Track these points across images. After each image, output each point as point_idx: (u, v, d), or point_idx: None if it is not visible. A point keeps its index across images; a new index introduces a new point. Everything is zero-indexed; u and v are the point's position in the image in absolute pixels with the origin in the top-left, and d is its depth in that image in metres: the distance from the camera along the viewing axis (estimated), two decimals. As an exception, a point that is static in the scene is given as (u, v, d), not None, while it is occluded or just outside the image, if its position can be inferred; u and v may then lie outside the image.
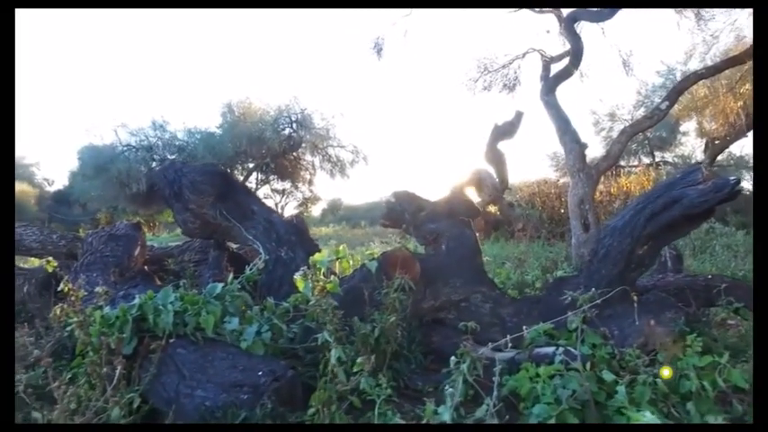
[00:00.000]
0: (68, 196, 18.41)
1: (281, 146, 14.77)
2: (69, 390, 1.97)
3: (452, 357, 1.97)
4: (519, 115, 11.32)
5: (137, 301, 2.44)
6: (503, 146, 11.74)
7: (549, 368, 2.41)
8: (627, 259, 2.90)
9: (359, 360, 1.94)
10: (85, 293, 2.93)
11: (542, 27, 9.07)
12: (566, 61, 7.92)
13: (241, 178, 14.92)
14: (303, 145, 14.91)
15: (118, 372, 1.95)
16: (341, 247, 2.65)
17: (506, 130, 11.44)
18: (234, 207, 3.51)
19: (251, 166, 15.49)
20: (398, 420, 2.01)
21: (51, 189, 26.47)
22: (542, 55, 8.38)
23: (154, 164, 15.59)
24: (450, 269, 3.29)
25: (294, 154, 15.09)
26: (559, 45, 8.71)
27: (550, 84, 7.78)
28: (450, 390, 1.86)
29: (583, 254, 6.93)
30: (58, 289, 3.10)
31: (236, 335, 2.40)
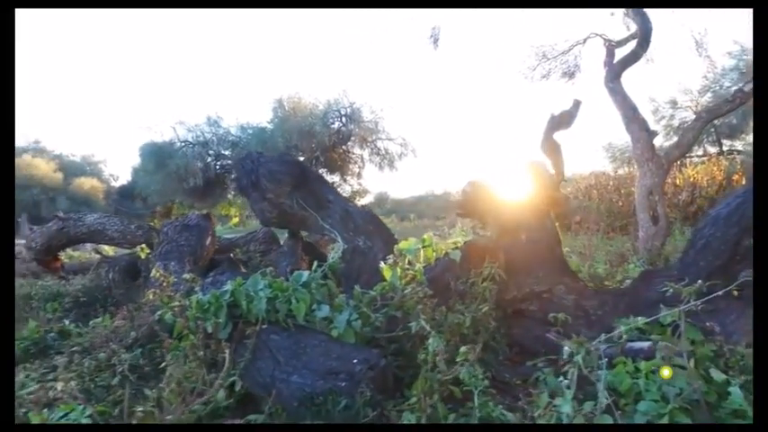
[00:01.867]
0: (131, 190, 19.41)
1: (331, 139, 14.87)
2: (184, 370, 2.01)
3: (565, 348, 1.88)
4: (577, 104, 10.85)
5: (228, 287, 2.49)
6: (558, 136, 11.37)
7: (650, 363, 2.27)
8: (732, 250, 2.69)
9: (462, 350, 1.89)
10: (176, 280, 3.03)
11: (605, 10, 8.61)
12: (630, 46, 7.53)
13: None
14: (352, 138, 14.94)
15: (228, 355, 1.99)
16: (426, 236, 2.60)
17: (563, 120, 11.01)
18: (310, 196, 3.53)
19: (301, 159, 15.72)
20: (501, 411, 1.94)
21: (116, 184, 28.13)
22: (605, 39, 7.99)
23: (209, 159, 16.09)
24: (531, 260, 3.18)
25: (343, 147, 15.16)
26: (623, 29, 8.29)
27: (615, 70, 7.42)
28: (566, 381, 1.77)
29: (652, 247, 6.58)
30: (150, 275, 3.24)
31: (326, 322, 2.40)
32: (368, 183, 16.56)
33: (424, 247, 2.59)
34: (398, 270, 2.49)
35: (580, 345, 1.84)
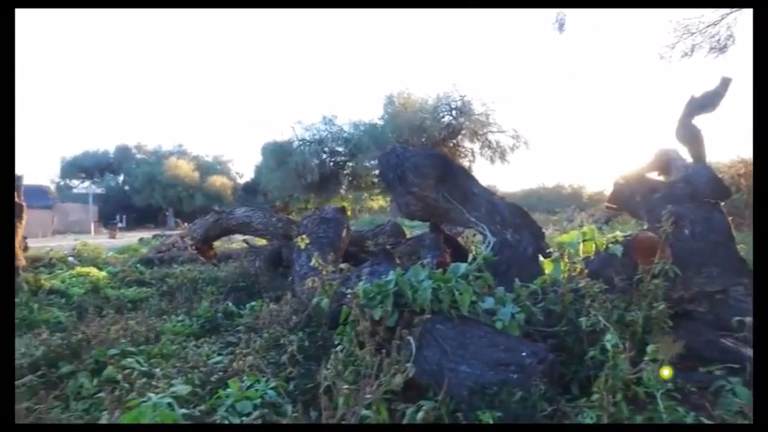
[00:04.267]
0: (255, 186, 21.29)
1: (441, 134, 14.90)
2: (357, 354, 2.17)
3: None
4: (725, 82, 9.58)
5: (392, 276, 2.62)
6: (698, 121, 10.17)
7: None
8: None
9: (650, 349, 1.80)
10: (334, 271, 3.26)
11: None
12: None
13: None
14: (462, 132, 14.83)
15: (414, 341, 2.11)
16: (586, 228, 2.51)
17: (707, 102, 9.82)
18: (454, 189, 3.58)
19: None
20: (694, 417, 1.82)
21: (242, 181, 31.27)
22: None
23: (324, 155, 16.97)
24: (700, 257, 2.91)
25: (453, 141, 15.10)
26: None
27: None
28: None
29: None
30: (311, 264, 3.53)
31: (488, 315, 2.43)
32: (478, 176, 16.28)
33: (584, 240, 2.50)
34: (562, 264, 2.43)
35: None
